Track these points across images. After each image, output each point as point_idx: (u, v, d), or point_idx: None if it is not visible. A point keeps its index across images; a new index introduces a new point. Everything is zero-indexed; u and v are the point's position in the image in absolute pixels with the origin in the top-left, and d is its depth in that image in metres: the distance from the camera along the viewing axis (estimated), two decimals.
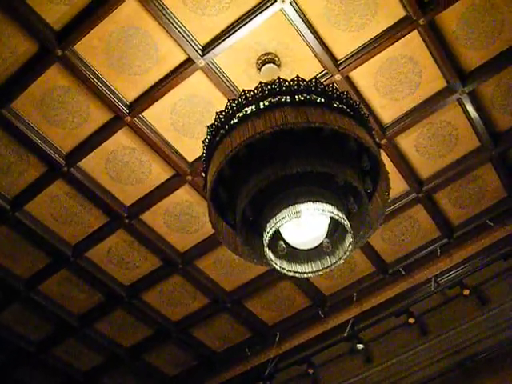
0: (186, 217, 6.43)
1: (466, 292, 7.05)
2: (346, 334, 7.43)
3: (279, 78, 4.07)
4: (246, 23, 4.97)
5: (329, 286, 7.41)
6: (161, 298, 7.37)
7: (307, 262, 4.29)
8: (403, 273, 7.28)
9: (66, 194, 6.13)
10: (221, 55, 5.17)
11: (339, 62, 5.33)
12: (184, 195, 6.23)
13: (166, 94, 5.37)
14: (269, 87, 4.03)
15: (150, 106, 5.45)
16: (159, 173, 6.01)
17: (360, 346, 7.46)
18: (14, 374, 8.33)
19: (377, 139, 4.70)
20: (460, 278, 7.06)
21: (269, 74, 5.01)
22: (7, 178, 5.95)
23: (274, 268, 4.24)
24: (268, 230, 3.90)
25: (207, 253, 6.84)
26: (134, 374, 8.50)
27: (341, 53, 5.30)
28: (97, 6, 4.82)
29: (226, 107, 4.10)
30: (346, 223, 3.90)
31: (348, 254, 4.13)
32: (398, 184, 6.24)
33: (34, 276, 6.93)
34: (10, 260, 6.76)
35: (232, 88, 5.36)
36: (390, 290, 7.36)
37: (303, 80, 4.07)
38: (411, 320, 7.31)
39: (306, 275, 4.31)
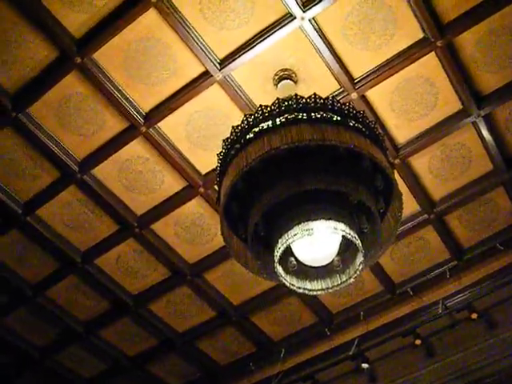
0: (196, 228, 6.43)
1: (474, 316, 6.99)
2: (351, 353, 7.39)
3: (296, 95, 4.09)
4: (265, 39, 5.00)
5: (336, 303, 7.39)
6: (167, 309, 7.36)
7: (317, 280, 4.29)
8: (411, 293, 7.24)
9: (78, 201, 6.16)
10: (238, 69, 5.19)
11: (356, 81, 5.35)
12: (195, 207, 6.24)
13: (182, 105, 5.40)
14: (286, 103, 4.05)
15: (165, 116, 5.47)
16: (172, 184, 6.02)
17: (365, 366, 7.41)
18: (16, 379, 8.33)
19: (390, 159, 4.70)
20: (468, 302, 7.01)
21: (285, 90, 5.02)
22: (20, 183, 5.98)
23: (284, 284, 4.24)
24: (279, 245, 3.91)
25: (216, 265, 6.83)
26: None
27: (358, 71, 5.32)
28: (117, 15, 4.87)
29: (243, 122, 4.12)
30: (358, 242, 3.90)
31: (358, 272, 4.13)
32: (409, 204, 6.19)
33: (41, 281, 6.94)
34: (19, 264, 6.78)
35: (248, 102, 5.38)
36: (397, 311, 7.32)
37: (320, 98, 4.09)
38: (418, 341, 7.25)
39: (315, 292, 4.31)
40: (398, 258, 6.91)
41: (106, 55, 5.11)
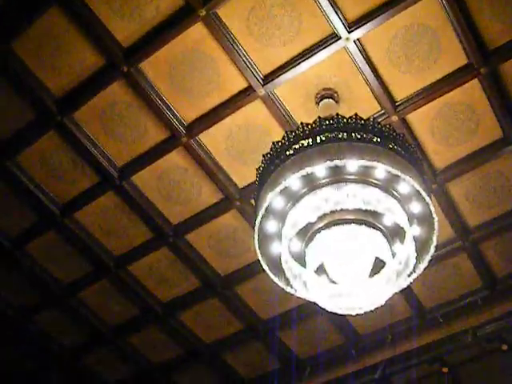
0: (230, 241, 6.47)
1: (505, 347, 6.90)
2: (376, 376, 7.33)
3: (337, 115, 4.13)
4: (309, 57, 5.05)
5: (364, 325, 7.32)
6: (196, 319, 7.38)
7: (347, 299, 4.29)
8: (441, 320, 7.14)
9: (115, 207, 6.25)
10: (281, 86, 5.25)
11: (397, 104, 5.36)
12: (230, 220, 6.28)
13: (223, 119, 5.47)
14: (326, 122, 4.09)
15: (206, 129, 5.55)
16: (208, 195, 6.09)
17: None
18: (43, 378, 8.43)
19: (428, 183, 4.70)
20: (499, 333, 6.91)
21: (326, 109, 5.06)
22: (61, 185, 6.10)
23: (313, 301, 4.25)
24: (312, 262, 3.93)
25: (247, 279, 6.84)
26: None
27: (399, 94, 5.33)
28: (165, 27, 4.98)
29: (283, 138, 4.17)
30: (392, 265, 3.91)
31: (389, 295, 4.13)
32: (444, 230, 6.15)
33: (74, 282, 7.04)
34: (53, 264, 6.89)
35: (289, 119, 5.43)
36: (426, 337, 7.20)
37: (361, 118, 4.13)
38: (445, 369, 7.18)
39: (343, 311, 4.31)
40: (429, 283, 6.83)
41: (152, 65, 5.21)
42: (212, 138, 5.64)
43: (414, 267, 4.33)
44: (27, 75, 5.29)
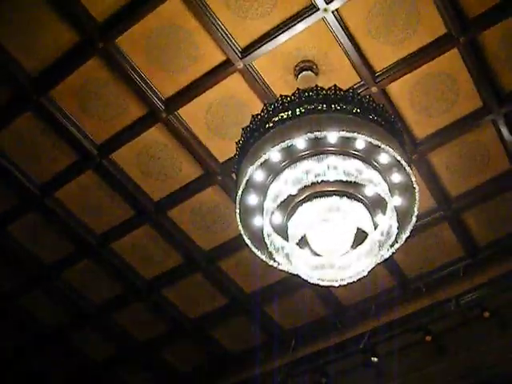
0: (212, 216, 6.47)
1: (487, 314, 6.97)
2: (361, 346, 7.40)
3: (317, 86, 4.11)
4: (287, 29, 5.02)
5: (348, 296, 7.39)
6: (180, 295, 7.40)
7: (329, 271, 4.30)
8: (424, 290, 7.22)
9: (95, 185, 6.20)
10: (259, 59, 5.21)
11: (377, 75, 5.35)
12: (212, 195, 6.27)
13: (202, 93, 5.43)
14: (306, 94, 4.07)
15: (185, 104, 5.51)
16: (189, 171, 6.06)
17: (374, 359, 7.42)
18: (29, 359, 8.42)
19: (408, 154, 4.71)
20: (481, 300, 6.99)
21: (306, 81, 5.04)
22: (39, 164, 6.04)
23: (297, 274, 4.26)
24: (294, 235, 3.93)
25: (230, 254, 6.86)
26: (147, 368, 8.51)
27: (379, 65, 5.32)
28: (141, 2, 4.89)
29: (262, 111, 4.15)
30: (374, 236, 3.92)
31: (371, 266, 4.15)
32: (425, 200, 6.18)
33: (57, 262, 7.00)
34: (36, 245, 6.85)
35: (268, 92, 5.40)
36: (410, 306, 7.29)
37: (340, 90, 4.11)
38: (428, 338, 7.25)
39: (326, 283, 4.33)
40: (412, 253, 6.88)
41: (129, 41, 5.14)
42: (191, 113, 5.60)
43: (396, 237, 4.35)
44: (0, 54, 5.20)
